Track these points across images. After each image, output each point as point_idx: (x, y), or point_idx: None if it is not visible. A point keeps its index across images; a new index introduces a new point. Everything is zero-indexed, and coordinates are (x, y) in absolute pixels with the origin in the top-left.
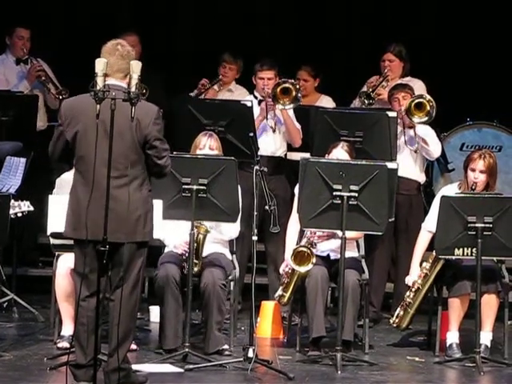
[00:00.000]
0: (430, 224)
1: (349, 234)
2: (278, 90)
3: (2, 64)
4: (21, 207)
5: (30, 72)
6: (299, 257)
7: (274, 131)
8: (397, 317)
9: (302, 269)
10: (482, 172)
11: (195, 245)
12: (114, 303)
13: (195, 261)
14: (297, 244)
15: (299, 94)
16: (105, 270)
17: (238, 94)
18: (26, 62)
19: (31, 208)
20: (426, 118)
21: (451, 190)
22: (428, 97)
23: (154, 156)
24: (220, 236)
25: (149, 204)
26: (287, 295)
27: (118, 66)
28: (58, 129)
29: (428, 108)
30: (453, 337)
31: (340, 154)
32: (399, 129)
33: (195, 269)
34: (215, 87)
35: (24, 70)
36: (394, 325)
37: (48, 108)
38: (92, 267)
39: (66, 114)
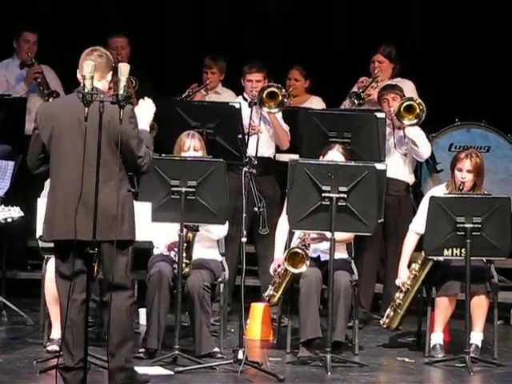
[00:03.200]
0: (417, 226)
1: (340, 236)
2: (264, 94)
3: (6, 67)
4: (11, 213)
5: (28, 74)
6: (293, 258)
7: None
8: (387, 317)
9: (296, 270)
10: (469, 172)
11: (185, 245)
12: (108, 306)
13: (186, 261)
14: (287, 245)
15: (285, 99)
16: (91, 272)
17: (226, 96)
18: (30, 67)
19: (21, 214)
20: (416, 121)
21: (439, 191)
22: (418, 99)
23: (131, 154)
24: (208, 235)
25: (127, 203)
26: (277, 295)
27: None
28: (34, 133)
29: (418, 111)
30: (437, 338)
31: (335, 156)
32: (388, 130)
33: (186, 269)
34: (202, 91)
35: (25, 73)
36: (384, 326)
37: None
38: (70, 268)
39: (40, 117)
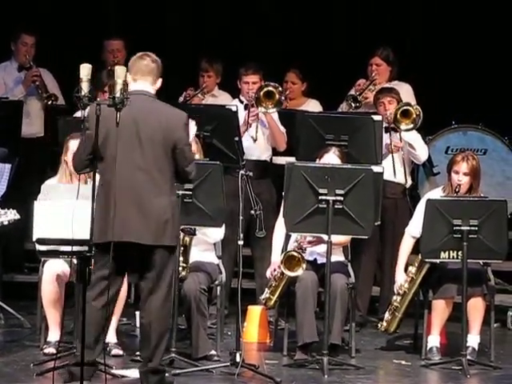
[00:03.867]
0: (413, 229)
1: (336, 239)
2: (261, 93)
3: (4, 70)
4: (7, 216)
5: (27, 77)
6: (289, 261)
7: (254, 141)
8: (385, 321)
9: (292, 273)
10: (465, 174)
11: (182, 249)
12: (148, 308)
13: (183, 264)
14: (284, 248)
15: (282, 98)
16: (86, 277)
17: (222, 98)
18: (28, 69)
19: (17, 216)
20: (412, 126)
21: (436, 194)
22: (415, 105)
23: (182, 161)
24: (204, 238)
25: (175, 209)
26: (274, 298)
27: (149, 68)
28: (86, 133)
29: (414, 116)
30: (433, 340)
31: (332, 158)
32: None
33: (183, 273)
34: (199, 95)
35: (23, 76)
36: (383, 329)
37: (50, 116)
38: (112, 271)
39: (92, 117)
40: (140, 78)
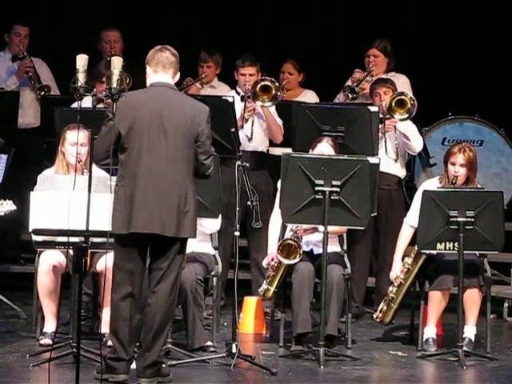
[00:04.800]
0: (411, 219)
1: (332, 228)
2: (258, 87)
3: None
4: (4, 206)
5: (20, 68)
6: (286, 249)
7: (249, 140)
8: (380, 312)
9: (290, 261)
10: (462, 166)
11: None
12: (156, 298)
13: None
14: (280, 238)
15: (279, 92)
16: (82, 268)
17: (220, 90)
18: (22, 60)
19: (14, 207)
20: (407, 116)
21: (432, 184)
22: (409, 94)
23: (202, 154)
24: (201, 229)
25: (195, 201)
26: (272, 288)
27: (169, 61)
28: (108, 123)
29: (409, 105)
30: (430, 332)
31: (325, 148)
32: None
33: None
34: (197, 84)
35: (17, 66)
36: (378, 320)
37: (46, 106)
38: (138, 263)
39: (119, 108)
40: (161, 70)
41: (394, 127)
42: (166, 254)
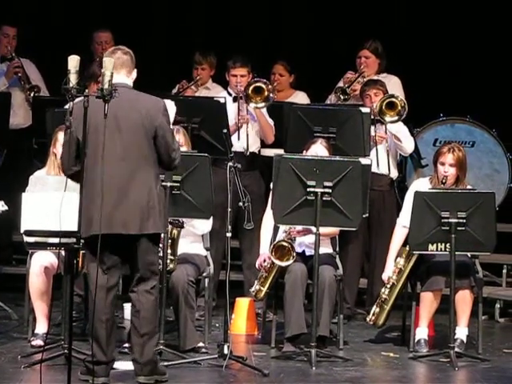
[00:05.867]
0: (404, 219)
1: (325, 230)
2: (250, 89)
3: None
4: None
5: (9, 69)
6: (279, 251)
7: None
8: (373, 314)
9: (283, 263)
10: (451, 165)
11: (169, 241)
12: (137, 298)
13: (171, 257)
14: (272, 240)
15: (271, 94)
16: (73, 269)
17: (216, 91)
18: (10, 60)
19: (5, 208)
20: (397, 118)
21: (422, 184)
22: (400, 96)
23: (165, 147)
24: (193, 230)
25: (161, 197)
26: (264, 289)
27: (121, 61)
28: (67, 131)
29: (399, 108)
30: (421, 333)
31: (319, 149)
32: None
33: (171, 265)
34: (193, 87)
35: (5, 67)
36: (371, 322)
37: (33, 106)
38: (108, 263)
39: (75, 115)
40: (114, 71)
41: (386, 139)
42: (136, 252)
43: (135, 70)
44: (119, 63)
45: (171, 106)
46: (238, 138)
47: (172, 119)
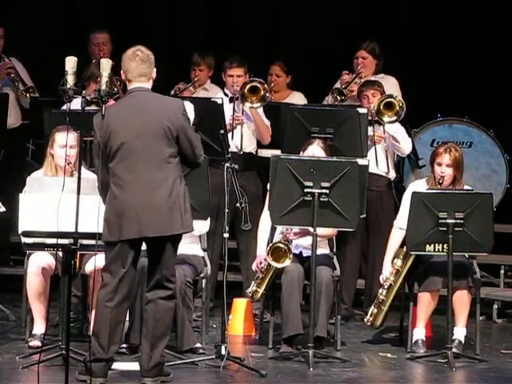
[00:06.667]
0: (400, 221)
1: (323, 231)
2: (246, 88)
3: None
4: None
5: (1, 70)
6: (276, 253)
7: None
8: (371, 315)
9: (279, 265)
10: (448, 166)
11: None
12: (153, 305)
13: None
14: (269, 240)
15: (267, 94)
16: (71, 270)
17: (214, 92)
18: None
19: (3, 209)
20: (395, 118)
21: (419, 185)
22: (398, 97)
23: (190, 146)
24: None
25: (186, 196)
26: (261, 291)
27: (139, 70)
28: (94, 143)
29: (397, 108)
30: (419, 333)
31: (316, 150)
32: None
33: None
34: (191, 88)
35: None
36: (369, 323)
37: (21, 106)
38: (129, 268)
39: (97, 125)
40: (134, 80)
41: (384, 139)
42: (157, 255)
43: (154, 70)
44: (138, 73)
45: (189, 107)
46: (232, 138)
47: (192, 119)
